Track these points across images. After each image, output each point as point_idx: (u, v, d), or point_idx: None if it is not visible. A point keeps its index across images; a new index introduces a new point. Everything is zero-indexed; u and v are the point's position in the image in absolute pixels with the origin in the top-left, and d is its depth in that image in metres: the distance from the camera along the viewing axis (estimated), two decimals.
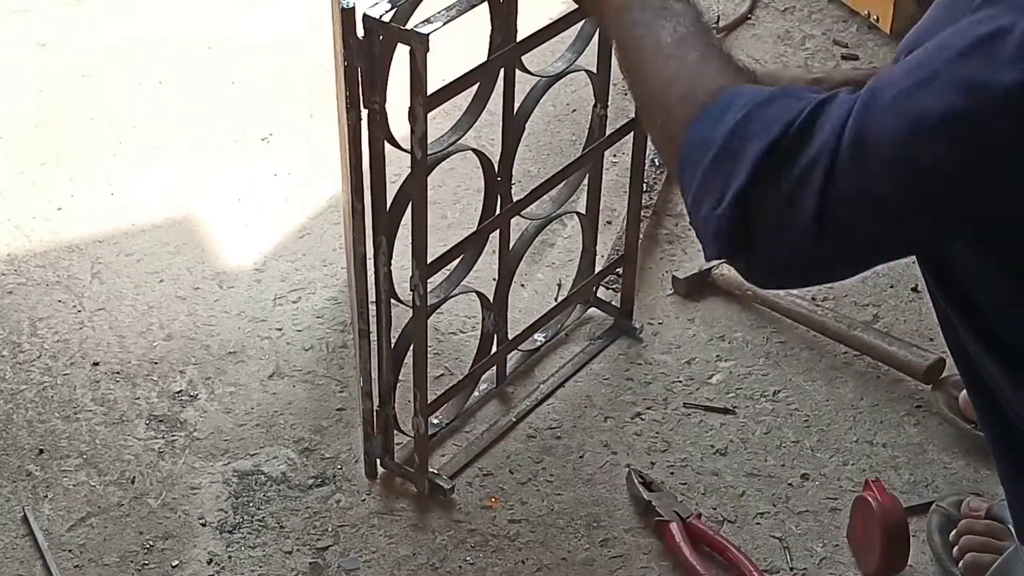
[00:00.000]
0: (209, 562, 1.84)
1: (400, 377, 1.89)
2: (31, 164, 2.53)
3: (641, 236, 2.20)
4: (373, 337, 1.85)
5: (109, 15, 2.90)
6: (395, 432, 1.92)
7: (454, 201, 2.37)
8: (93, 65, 2.76)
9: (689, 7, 1.29)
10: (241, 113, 2.62)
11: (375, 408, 1.89)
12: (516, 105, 1.84)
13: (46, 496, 1.93)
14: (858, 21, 2.87)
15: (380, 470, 1.94)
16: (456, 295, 1.91)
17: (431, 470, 1.91)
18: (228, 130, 2.60)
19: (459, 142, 1.78)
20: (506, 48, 1.75)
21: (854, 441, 1.99)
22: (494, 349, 2.02)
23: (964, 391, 1.90)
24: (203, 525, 1.89)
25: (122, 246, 2.35)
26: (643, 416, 2.03)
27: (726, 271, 2.22)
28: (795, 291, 2.22)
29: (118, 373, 2.11)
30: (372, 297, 1.82)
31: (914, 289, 2.22)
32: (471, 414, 2.04)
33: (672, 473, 1.95)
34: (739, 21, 2.85)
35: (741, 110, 1.14)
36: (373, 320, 1.84)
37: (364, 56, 1.61)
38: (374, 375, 1.88)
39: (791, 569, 1.83)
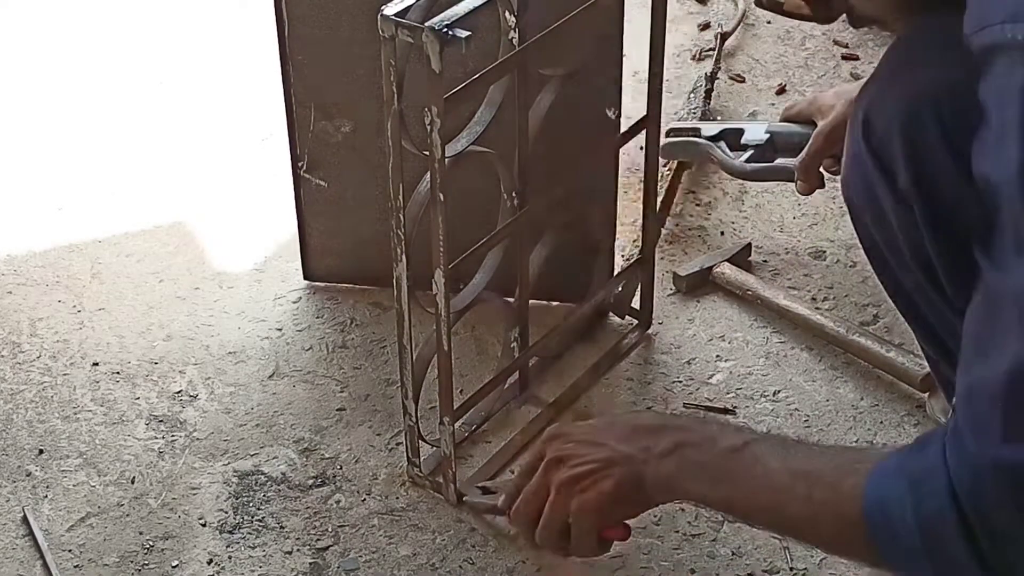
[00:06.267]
0: (209, 562, 1.84)
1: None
2: (31, 164, 2.53)
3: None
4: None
5: (109, 15, 2.91)
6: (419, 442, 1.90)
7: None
8: (93, 64, 2.76)
9: (740, 430, 1.38)
10: (241, 113, 2.62)
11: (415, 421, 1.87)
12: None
13: (46, 496, 1.93)
14: None
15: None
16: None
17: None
18: (228, 130, 2.60)
19: (475, 144, 1.78)
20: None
21: (854, 441, 1.99)
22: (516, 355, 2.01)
23: None
24: (203, 525, 1.89)
25: (122, 246, 2.35)
26: None
27: (726, 270, 2.22)
28: (795, 291, 2.22)
29: (118, 373, 2.11)
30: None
31: None
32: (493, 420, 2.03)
33: None
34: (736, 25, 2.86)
35: (909, 510, 1.19)
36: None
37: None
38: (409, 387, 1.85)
39: (791, 569, 1.82)
